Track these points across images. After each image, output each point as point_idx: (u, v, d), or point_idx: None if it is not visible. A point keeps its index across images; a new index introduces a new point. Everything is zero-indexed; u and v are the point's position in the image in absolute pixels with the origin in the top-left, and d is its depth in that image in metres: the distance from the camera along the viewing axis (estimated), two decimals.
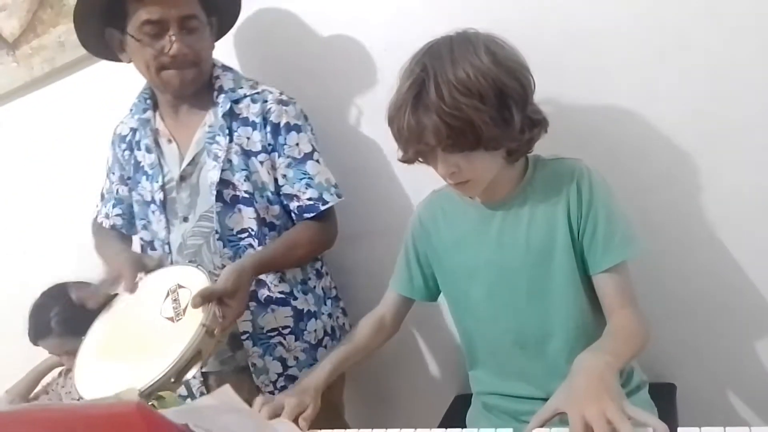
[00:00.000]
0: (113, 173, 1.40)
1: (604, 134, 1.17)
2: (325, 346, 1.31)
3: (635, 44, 1.12)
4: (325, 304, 1.34)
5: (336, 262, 1.43)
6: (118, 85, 1.67)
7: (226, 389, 0.84)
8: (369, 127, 1.38)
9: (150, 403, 0.91)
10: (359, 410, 1.44)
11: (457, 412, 1.27)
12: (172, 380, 0.99)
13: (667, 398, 1.16)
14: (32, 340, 1.62)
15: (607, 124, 1.17)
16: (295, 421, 0.94)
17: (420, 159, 0.97)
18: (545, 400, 0.82)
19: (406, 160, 0.98)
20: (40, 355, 1.72)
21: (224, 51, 1.39)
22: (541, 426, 0.77)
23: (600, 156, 1.10)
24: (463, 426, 1.13)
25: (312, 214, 1.23)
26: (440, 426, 1.23)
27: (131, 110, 1.36)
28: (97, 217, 1.43)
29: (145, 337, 1.08)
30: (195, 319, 1.02)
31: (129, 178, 1.35)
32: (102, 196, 1.43)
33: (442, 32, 0.96)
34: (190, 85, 1.23)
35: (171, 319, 1.05)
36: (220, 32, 1.33)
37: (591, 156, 1.04)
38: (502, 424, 1.05)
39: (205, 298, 1.02)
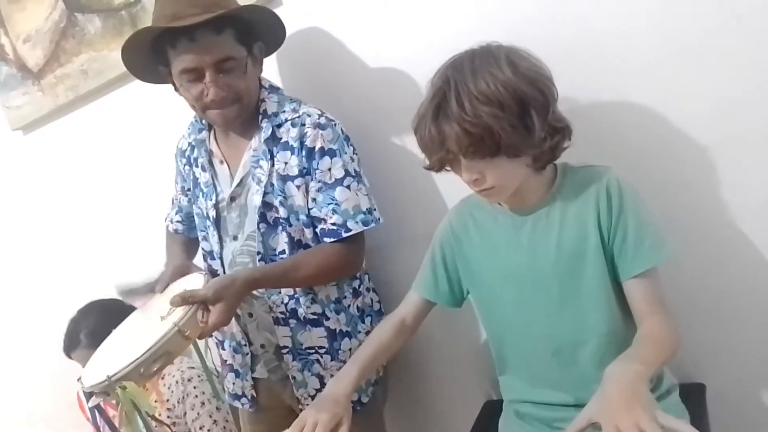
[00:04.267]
0: (177, 183, 1.47)
1: (626, 136, 1.17)
2: None
3: (657, 46, 1.11)
4: (363, 322, 1.35)
5: (383, 270, 1.44)
6: (140, 110, 1.72)
7: None
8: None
9: (115, 390, 1.01)
10: (388, 415, 1.46)
11: (487, 419, 1.28)
12: (141, 371, 1.03)
13: (697, 399, 1.15)
14: (65, 352, 1.69)
15: (629, 126, 1.16)
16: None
17: (447, 168, 0.99)
18: (577, 407, 0.83)
19: (431, 167, 1.00)
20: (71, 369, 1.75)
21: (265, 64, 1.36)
22: None
23: (622, 158, 1.10)
24: None
25: (332, 239, 1.24)
26: None
27: (189, 128, 1.40)
28: (166, 219, 1.52)
29: (137, 331, 1.16)
30: (174, 319, 1.07)
31: (189, 190, 1.41)
32: (172, 201, 1.51)
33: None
34: (234, 120, 1.25)
35: (162, 318, 1.10)
36: (269, 51, 1.33)
37: (613, 158, 1.05)
38: None
39: (184, 300, 1.08)
